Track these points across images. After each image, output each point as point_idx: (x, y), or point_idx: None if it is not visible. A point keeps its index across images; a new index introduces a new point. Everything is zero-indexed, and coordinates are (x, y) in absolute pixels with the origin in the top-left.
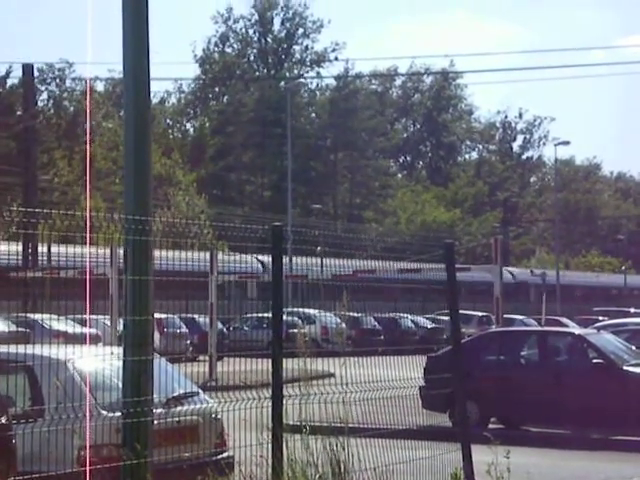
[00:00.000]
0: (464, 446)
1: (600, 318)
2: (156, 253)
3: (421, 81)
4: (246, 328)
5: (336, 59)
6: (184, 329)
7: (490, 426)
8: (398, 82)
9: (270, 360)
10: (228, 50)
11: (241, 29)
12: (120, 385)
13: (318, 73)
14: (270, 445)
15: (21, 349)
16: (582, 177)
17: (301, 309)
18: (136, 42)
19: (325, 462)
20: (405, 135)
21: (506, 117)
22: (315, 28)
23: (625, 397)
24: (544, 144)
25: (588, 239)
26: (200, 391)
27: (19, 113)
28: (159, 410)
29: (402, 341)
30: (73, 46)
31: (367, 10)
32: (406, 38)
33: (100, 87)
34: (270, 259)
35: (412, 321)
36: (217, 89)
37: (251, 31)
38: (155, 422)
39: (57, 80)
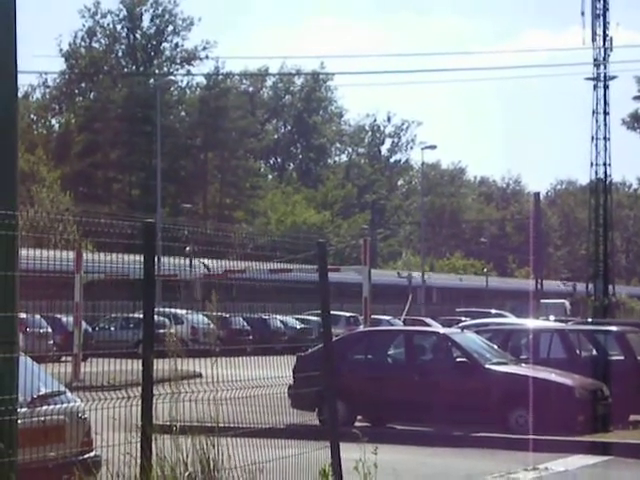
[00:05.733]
0: (333, 444)
1: (463, 319)
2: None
3: (292, 82)
4: (112, 328)
5: (207, 57)
6: (48, 328)
7: (357, 424)
8: (269, 83)
9: (138, 360)
10: (95, 45)
11: (109, 24)
12: None
13: (188, 71)
14: (139, 444)
15: None
16: (447, 181)
17: (169, 309)
18: (3, 32)
19: (195, 460)
20: (276, 136)
21: (375, 120)
22: (185, 26)
23: (487, 395)
24: (411, 148)
25: (452, 242)
26: (66, 390)
27: None
28: (24, 409)
29: (271, 341)
30: None
31: (238, 9)
32: (277, 39)
33: None
34: (142, 258)
35: (281, 321)
36: (84, 85)
37: (119, 26)
38: (20, 421)
39: None
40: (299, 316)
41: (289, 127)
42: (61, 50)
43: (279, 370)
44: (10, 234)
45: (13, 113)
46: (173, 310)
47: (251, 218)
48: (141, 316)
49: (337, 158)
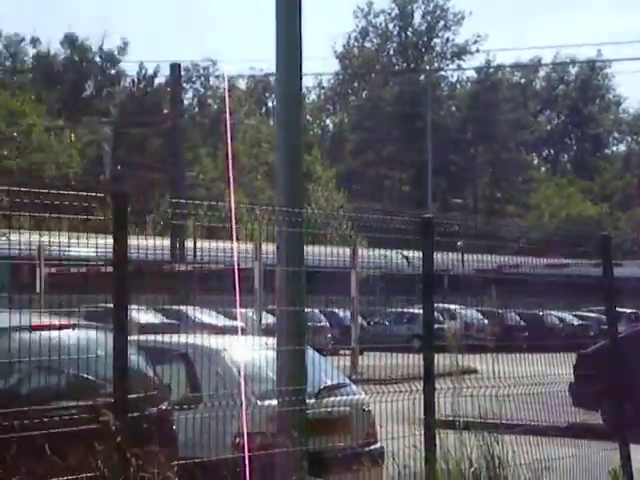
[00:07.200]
0: (622, 444)
1: None
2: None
3: (566, 72)
4: (387, 323)
5: (477, 51)
6: (325, 322)
7: None
8: (542, 73)
9: (412, 355)
10: (367, 45)
11: (381, 23)
12: (270, 375)
13: (459, 66)
14: (422, 437)
15: (178, 339)
16: None
17: (441, 304)
18: (288, 38)
19: (479, 457)
20: (549, 127)
21: None
22: (456, 20)
23: None
24: None
25: None
26: (350, 383)
27: (166, 111)
28: (311, 400)
29: (547, 338)
30: (218, 45)
31: (509, 1)
32: (549, 30)
33: (242, 85)
34: (420, 254)
35: (558, 318)
36: (356, 84)
37: (391, 25)
38: (309, 412)
39: (201, 79)
40: (576, 312)
41: (563, 118)
42: (335, 52)
43: (557, 367)
44: (298, 231)
45: (298, 117)
46: (446, 305)
47: (523, 212)
48: (414, 311)
49: (615, 148)
